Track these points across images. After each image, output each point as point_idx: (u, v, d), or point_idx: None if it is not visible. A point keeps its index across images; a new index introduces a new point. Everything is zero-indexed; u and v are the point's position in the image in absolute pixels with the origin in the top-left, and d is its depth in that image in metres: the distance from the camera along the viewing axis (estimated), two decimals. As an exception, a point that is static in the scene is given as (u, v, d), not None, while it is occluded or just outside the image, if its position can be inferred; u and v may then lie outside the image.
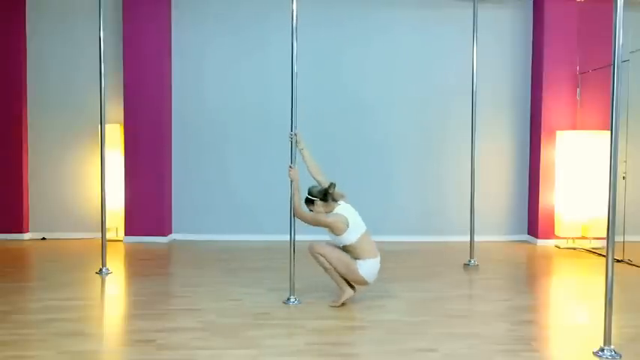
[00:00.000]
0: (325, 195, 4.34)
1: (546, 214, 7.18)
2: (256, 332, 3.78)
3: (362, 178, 7.33)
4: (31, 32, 7.37)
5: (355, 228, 4.31)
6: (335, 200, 4.40)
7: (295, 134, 4.53)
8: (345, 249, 4.37)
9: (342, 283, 4.40)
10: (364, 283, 4.39)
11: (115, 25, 7.30)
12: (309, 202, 4.39)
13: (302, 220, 4.39)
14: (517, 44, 7.46)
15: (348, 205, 4.44)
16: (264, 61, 7.34)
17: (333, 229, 4.29)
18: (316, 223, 4.34)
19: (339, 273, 4.37)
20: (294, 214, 4.43)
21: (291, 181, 4.45)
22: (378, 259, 4.40)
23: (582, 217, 6.88)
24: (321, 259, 4.35)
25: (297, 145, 4.54)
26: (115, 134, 7.26)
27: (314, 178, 4.53)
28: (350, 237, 4.29)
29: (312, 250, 4.38)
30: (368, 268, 4.33)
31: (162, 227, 7.27)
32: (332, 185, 4.36)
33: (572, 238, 7.05)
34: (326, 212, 4.36)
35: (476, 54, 5.99)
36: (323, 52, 7.30)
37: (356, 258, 4.33)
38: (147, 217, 7.20)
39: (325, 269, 4.39)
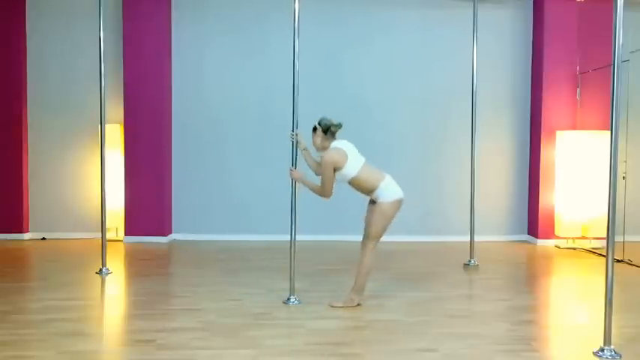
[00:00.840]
0: (328, 129, 4.36)
1: (546, 214, 7.18)
2: (256, 332, 3.78)
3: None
4: (31, 32, 7.37)
5: (355, 160, 4.31)
6: (334, 138, 4.41)
7: (296, 134, 4.53)
8: (354, 185, 4.34)
9: (361, 289, 4.41)
10: (399, 203, 4.39)
11: (115, 25, 7.30)
12: (314, 129, 4.41)
13: (324, 193, 4.30)
14: (517, 44, 7.46)
15: (345, 141, 4.41)
16: (264, 61, 7.34)
17: (336, 164, 4.24)
18: (329, 176, 4.25)
19: (382, 232, 4.40)
20: (321, 195, 4.34)
21: (295, 180, 4.47)
22: (387, 178, 4.37)
23: (582, 217, 6.88)
24: (369, 256, 4.36)
25: (298, 146, 4.54)
26: (115, 134, 7.26)
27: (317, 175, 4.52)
28: (352, 169, 4.27)
29: (365, 245, 4.39)
30: (386, 192, 4.32)
31: (163, 227, 7.27)
32: (339, 125, 4.39)
33: (572, 238, 7.05)
34: (323, 147, 4.36)
35: (476, 54, 5.99)
36: (323, 51, 7.30)
37: (371, 191, 4.32)
38: (147, 217, 7.20)
39: (361, 264, 4.37)
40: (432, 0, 7.42)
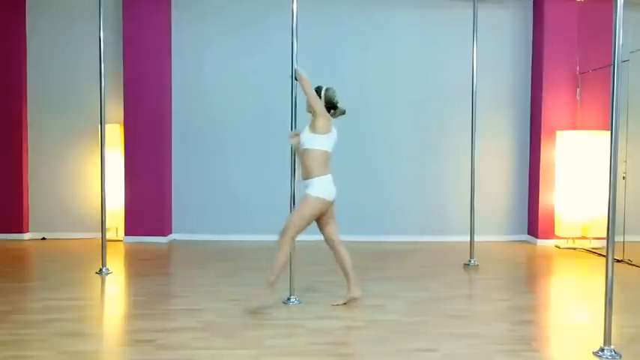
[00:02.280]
0: (331, 108, 4.41)
1: (546, 214, 7.18)
2: (256, 332, 3.78)
3: (362, 178, 7.33)
4: (31, 32, 7.37)
5: (329, 141, 4.35)
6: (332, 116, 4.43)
7: (296, 134, 4.51)
8: (304, 156, 4.32)
9: (272, 283, 4.29)
10: (323, 203, 4.28)
11: (115, 25, 7.29)
12: (318, 93, 4.39)
13: (306, 88, 4.30)
14: (517, 44, 7.46)
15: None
16: (265, 61, 7.33)
17: (319, 121, 4.27)
18: (314, 102, 4.30)
19: (302, 224, 4.30)
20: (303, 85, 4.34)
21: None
22: (328, 176, 4.34)
23: (582, 217, 6.88)
24: (284, 250, 4.32)
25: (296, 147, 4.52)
26: (115, 134, 7.26)
27: None
28: (322, 143, 4.30)
29: (281, 235, 4.35)
30: (317, 187, 4.27)
31: (163, 227, 7.27)
32: (342, 111, 4.46)
33: (572, 238, 7.05)
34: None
35: (476, 54, 5.99)
36: (323, 52, 7.28)
37: (307, 177, 4.31)
38: (147, 217, 7.20)
39: (276, 258, 4.33)
40: (432, 0, 7.42)
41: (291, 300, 4.48)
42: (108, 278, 5.36)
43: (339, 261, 4.46)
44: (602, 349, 3.39)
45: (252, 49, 7.39)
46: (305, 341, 3.63)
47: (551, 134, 7.14)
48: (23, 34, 7.34)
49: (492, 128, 7.39)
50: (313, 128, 4.32)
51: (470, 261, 5.97)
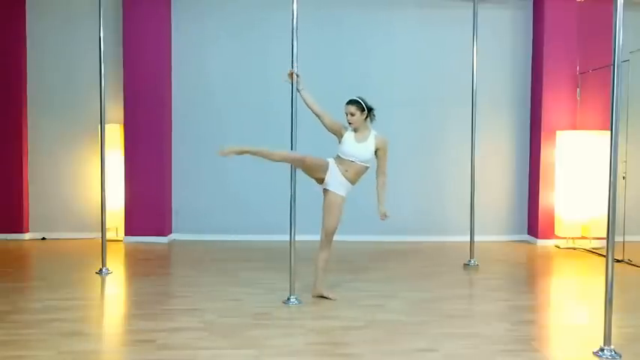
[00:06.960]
0: (370, 113, 4.66)
1: (546, 214, 7.18)
2: (256, 332, 3.78)
3: (362, 177, 7.30)
4: (31, 32, 7.37)
5: (343, 149, 4.70)
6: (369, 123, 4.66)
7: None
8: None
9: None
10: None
11: (115, 25, 7.29)
12: (360, 107, 4.62)
13: (316, 112, 4.69)
14: (517, 44, 7.46)
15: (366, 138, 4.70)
16: (265, 61, 7.33)
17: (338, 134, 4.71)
18: (331, 124, 4.75)
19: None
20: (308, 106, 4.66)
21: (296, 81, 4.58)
22: (331, 160, 4.71)
23: (582, 217, 6.88)
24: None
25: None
26: (115, 134, 7.26)
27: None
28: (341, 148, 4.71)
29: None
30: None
31: (163, 227, 7.27)
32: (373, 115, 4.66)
33: (572, 238, 7.05)
34: (361, 126, 4.64)
35: (476, 54, 5.99)
36: (323, 52, 7.29)
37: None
38: (147, 217, 7.20)
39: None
40: (432, 0, 7.42)
41: (291, 300, 4.48)
42: (108, 278, 5.36)
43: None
44: (602, 349, 3.40)
45: (252, 49, 7.39)
46: (305, 341, 3.63)
47: (551, 134, 7.14)
48: (23, 34, 7.33)
49: (492, 128, 7.40)
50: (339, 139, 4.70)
51: (470, 261, 5.97)
